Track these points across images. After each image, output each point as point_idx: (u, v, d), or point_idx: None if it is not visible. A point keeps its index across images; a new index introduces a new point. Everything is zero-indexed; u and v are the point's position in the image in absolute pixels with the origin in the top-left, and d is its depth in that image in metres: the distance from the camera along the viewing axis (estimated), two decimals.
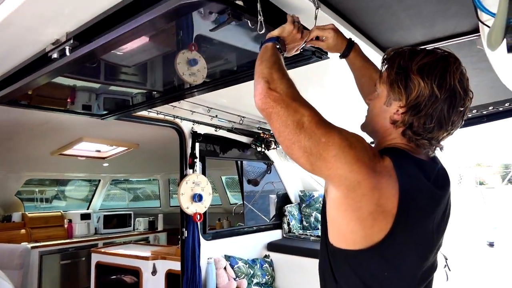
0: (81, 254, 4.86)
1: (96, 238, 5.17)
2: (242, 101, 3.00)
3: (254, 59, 1.89)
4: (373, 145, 1.07)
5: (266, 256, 3.93)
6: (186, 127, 3.25)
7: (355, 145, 0.87)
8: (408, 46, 1.05)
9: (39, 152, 4.36)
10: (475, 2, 0.81)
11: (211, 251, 3.41)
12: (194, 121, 3.20)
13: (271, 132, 3.67)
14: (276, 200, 4.47)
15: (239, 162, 4.25)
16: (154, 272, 3.56)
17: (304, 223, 4.35)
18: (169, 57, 2.02)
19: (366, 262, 0.91)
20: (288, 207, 4.33)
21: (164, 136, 3.70)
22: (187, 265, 3.09)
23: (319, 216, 4.31)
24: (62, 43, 1.44)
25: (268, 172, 4.40)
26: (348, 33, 1.65)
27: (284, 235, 4.24)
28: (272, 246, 3.99)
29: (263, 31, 1.15)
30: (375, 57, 1.96)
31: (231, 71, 2.18)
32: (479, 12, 0.85)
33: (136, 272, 3.67)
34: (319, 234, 3.74)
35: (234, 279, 3.47)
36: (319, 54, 1.45)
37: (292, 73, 1.06)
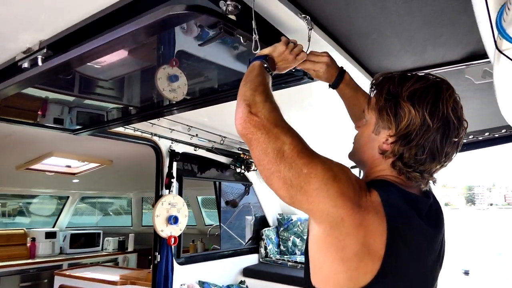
0: (43, 276, 4.55)
1: (61, 258, 4.87)
2: (224, 121, 2.92)
3: (237, 78, 1.87)
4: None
5: (241, 282, 3.78)
6: (164, 145, 3.12)
7: (339, 177, 0.80)
8: (398, 72, 0.99)
9: (2, 166, 4.09)
10: (500, 30, 0.76)
11: (185, 277, 3.24)
12: (172, 140, 3.08)
13: None
14: (253, 222, 4.35)
15: (217, 182, 4.12)
16: None
17: (282, 247, 4.23)
18: (148, 72, 1.96)
19: None
20: (265, 231, 4.22)
21: (139, 153, 3.56)
22: None
23: (297, 240, 4.21)
24: (34, 52, 1.33)
25: (247, 194, 4.29)
26: (339, 57, 1.62)
27: (260, 259, 4.11)
28: (248, 272, 3.84)
29: (258, 51, 1.08)
30: (365, 82, 1.93)
31: (212, 90, 2.12)
32: (498, 40, 0.80)
33: None
34: (297, 259, 3.64)
35: None
36: (311, 75, 1.38)
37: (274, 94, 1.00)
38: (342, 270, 0.80)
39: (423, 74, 0.96)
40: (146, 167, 3.58)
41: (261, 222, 4.39)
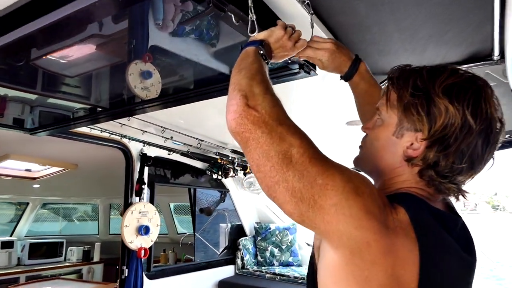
0: None
1: (18, 270, 4.48)
2: (202, 123, 2.71)
3: (216, 75, 1.71)
4: None
5: None
6: (135, 148, 2.87)
7: (362, 189, 0.64)
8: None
9: None
10: None
11: None
12: (144, 142, 2.83)
13: (230, 158, 3.39)
14: (228, 231, 4.14)
15: (192, 189, 3.89)
16: None
17: (259, 258, 4.04)
18: (118, 68, 1.81)
19: None
20: (242, 240, 4.01)
21: (107, 157, 3.28)
22: None
23: (275, 250, 4.03)
24: None
25: (222, 201, 4.08)
26: None
27: (237, 271, 3.90)
28: (224, 285, 3.62)
29: (255, 33, 0.90)
30: None
31: (189, 88, 1.94)
32: None
33: None
34: (275, 271, 3.43)
35: None
36: (307, 69, 1.21)
37: None
38: None
39: (453, 67, 0.79)
40: (114, 172, 3.32)
41: (238, 231, 4.18)
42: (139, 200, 2.84)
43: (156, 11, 1.48)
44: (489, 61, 1.56)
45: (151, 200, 3.01)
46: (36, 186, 4.77)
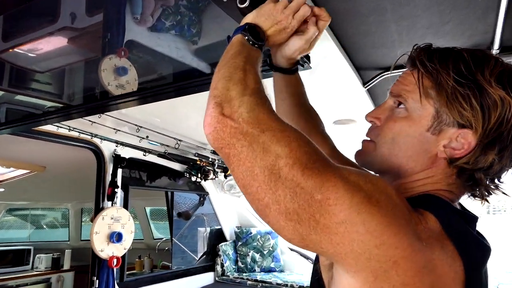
0: None
1: None
2: (180, 122, 2.55)
3: (196, 70, 1.60)
4: None
5: None
6: (107, 149, 2.67)
7: (376, 197, 0.51)
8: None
9: None
10: None
11: None
12: (118, 142, 2.64)
13: (210, 159, 3.23)
14: (207, 235, 3.97)
15: (169, 192, 3.70)
16: None
17: (240, 264, 3.88)
18: (90, 64, 1.72)
19: None
20: (222, 246, 3.85)
21: (78, 158, 3.08)
22: None
23: (256, 256, 3.88)
24: None
25: (201, 205, 3.91)
26: (326, 42, 1.36)
27: (216, 278, 3.73)
28: None
29: (246, 4, 0.75)
30: (348, 77, 1.69)
31: (168, 83, 1.81)
32: None
33: None
34: (257, 277, 3.28)
35: None
36: (301, 61, 1.08)
37: None
38: None
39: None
40: (86, 174, 3.11)
41: (217, 236, 4.01)
42: (112, 205, 2.64)
43: (134, 4, 1.41)
44: None
45: (125, 205, 2.82)
46: (0, 190, 4.47)
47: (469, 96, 0.59)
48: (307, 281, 3.30)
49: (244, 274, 3.76)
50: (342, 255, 0.51)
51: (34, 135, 2.26)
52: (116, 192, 2.66)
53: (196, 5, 1.41)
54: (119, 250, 2.60)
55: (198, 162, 3.17)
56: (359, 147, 0.76)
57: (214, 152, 3.23)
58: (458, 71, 0.61)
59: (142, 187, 3.14)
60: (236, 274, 3.76)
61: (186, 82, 1.62)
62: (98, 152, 2.64)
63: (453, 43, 1.45)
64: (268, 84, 0.78)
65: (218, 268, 3.76)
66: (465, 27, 1.34)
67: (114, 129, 2.48)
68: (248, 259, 3.89)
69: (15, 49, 1.67)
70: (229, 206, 4.04)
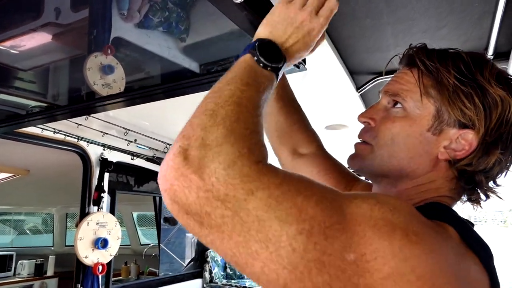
0: None
1: None
2: (169, 125, 2.51)
3: (187, 71, 1.57)
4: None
5: None
6: (94, 152, 2.61)
7: (411, 229, 0.44)
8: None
9: None
10: None
11: None
12: (105, 146, 2.58)
13: None
14: (196, 242, 3.91)
15: (157, 197, 3.64)
16: None
17: (228, 270, 3.84)
18: (75, 61, 1.63)
19: None
20: (211, 252, 3.79)
21: (63, 162, 3.00)
22: None
23: None
24: None
25: None
26: (322, 46, 1.33)
27: (204, 285, 3.68)
28: None
29: None
30: (342, 81, 1.67)
31: (157, 84, 1.77)
32: None
33: None
34: (245, 284, 3.24)
35: None
36: (297, 62, 1.05)
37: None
38: None
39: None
40: (71, 178, 3.03)
41: None
42: (98, 210, 2.57)
43: (121, 0, 1.34)
44: None
45: (112, 210, 2.75)
46: None
47: (471, 94, 0.58)
48: None
49: (232, 280, 3.71)
50: None
51: (17, 137, 2.19)
52: (103, 197, 2.59)
53: (184, 1, 1.37)
54: (104, 256, 2.53)
55: None
56: (352, 152, 0.71)
57: None
58: (458, 70, 0.59)
59: (130, 191, 3.08)
60: (224, 281, 3.71)
61: (175, 83, 1.58)
62: (84, 156, 2.57)
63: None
64: None
65: (207, 274, 3.71)
66: (460, 32, 1.33)
67: (101, 132, 2.42)
68: None
69: None
70: None
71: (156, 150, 2.82)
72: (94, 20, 1.39)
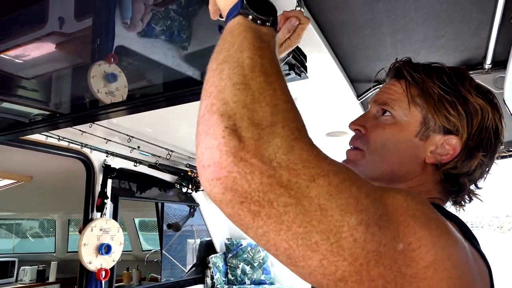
0: None
1: None
2: (171, 132, 2.53)
3: (189, 79, 1.59)
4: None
5: None
6: (97, 159, 2.63)
7: (439, 219, 0.46)
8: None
9: None
10: None
11: None
12: (108, 152, 2.60)
13: None
14: (197, 247, 3.91)
15: (159, 204, 3.65)
16: None
17: (230, 276, 3.83)
18: (79, 70, 1.66)
19: None
20: (212, 258, 3.79)
21: (66, 168, 3.02)
22: None
23: (246, 268, 3.83)
24: None
25: (191, 216, 3.86)
26: (323, 54, 1.36)
27: None
28: None
29: None
30: (343, 90, 1.69)
31: (159, 93, 1.80)
32: None
33: None
34: None
35: None
36: (298, 70, 1.08)
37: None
38: None
39: None
40: (74, 184, 3.04)
41: (207, 247, 3.96)
42: (101, 216, 2.58)
43: (124, 9, 1.37)
44: (479, 70, 1.51)
45: (114, 216, 2.76)
46: None
47: (455, 103, 0.63)
48: None
49: (234, 286, 3.71)
50: None
51: (22, 144, 2.21)
52: (106, 203, 2.60)
53: (186, 10, 1.40)
54: (107, 262, 2.54)
55: (189, 173, 3.13)
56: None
57: None
58: (442, 81, 0.65)
59: (132, 198, 3.09)
60: (226, 287, 3.71)
61: (177, 91, 1.61)
62: (87, 162, 2.59)
63: (447, 57, 1.47)
64: None
65: (208, 280, 3.70)
66: (458, 41, 1.36)
67: (105, 139, 2.44)
68: (238, 271, 3.83)
69: (1, 55, 1.63)
70: (219, 217, 4.00)
71: (159, 156, 2.84)
72: (97, 29, 1.41)
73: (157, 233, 4.40)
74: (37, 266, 4.91)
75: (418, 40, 1.35)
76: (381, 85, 0.74)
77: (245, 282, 3.78)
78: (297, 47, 1.02)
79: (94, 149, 2.53)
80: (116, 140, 2.51)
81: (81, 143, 2.41)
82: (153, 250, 4.87)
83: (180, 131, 2.47)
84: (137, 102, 1.73)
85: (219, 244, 3.99)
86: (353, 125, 0.73)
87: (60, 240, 5.61)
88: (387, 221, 0.41)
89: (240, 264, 3.86)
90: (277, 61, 0.46)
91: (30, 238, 6.12)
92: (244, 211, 0.38)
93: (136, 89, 1.75)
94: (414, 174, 0.67)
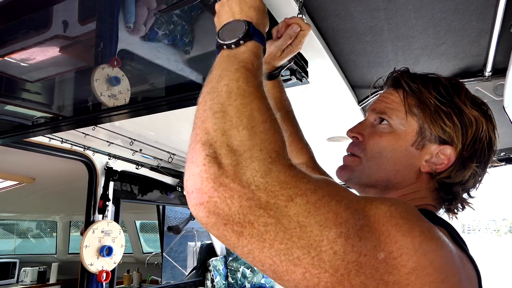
0: None
1: None
2: (174, 135, 2.54)
3: (191, 83, 1.61)
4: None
5: None
6: (100, 161, 2.64)
7: (424, 225, 0.48)
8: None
9: None
10: None
11: None
12: (110, 155, 2.61)
13: None
14: (197, 250, 3.92)
15: (161, 206, 3.65)
16: None
17: (230, 279, 3.83)
18: (83, 73, 1.68)
19: None
20: (213, 261, 3.79)
21: (68, 170, 3.04)
22: None
23: (247, 271, 3.83)
24: None
25: (192, 219, 3.87)
26: (324, 60, 1.38)
27: None
28: None
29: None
30: (345, 95, 1.70)
31: (161, 96, 1.81)
32: None
33: None
34: None
35: None
36: (299, 75, 1.09)
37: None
38: None
39: None
40: (76, 187, 3.08)
41: (208, 250, 3.96)
42: (103, 218, 2.59)
43: (127, 13, 1.38)
44: (479, 77, 1.52)
45: (116, 218, 2.77)
46: None
47: (450, 114, 0.65)
48: None
49: None
50: None
51: (25, 146, 2.22)
52: (107, 205, 2.62)
53: (189, 14, 1.41)
54: (109, 264, 2.55)
55: None
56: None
57: None
58: (438, 92, 0.66)
59: (134, 200, 3.10)
60: None
61: (180, 95, 1.62)
62: (90, 165, 2.60)
63: (447, 64, 1.48)
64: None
65: (208, 283, 3.71)
66: (458, 49, 1.37)
67: (108, 141, 2.46)
68: (239, 275, 3.84)
69: (5, 58, 1.65)
70: None
71: (161, 159, 2.85)
72: (101, 32, 1.43)
73: (157, 235, 4.41)
74: (38, 267, 4.91)
75: (418, 47, 1.37)
76: (382, 91, 0.76)
77: (245, 286, 3.78)
78: (299, 53, 1.04)
79: (97, 152, 2.55)
80: (118, 143, 2.52)
81: (84, 145, 2.42)
82: (153, 253, 4.87)
83: (182, 134, 2.49)
84: (140, 106, 1.75)
85: (219, 247, 4.00)
86: (351, 132, 0.76)
87: (61, 241, 5.62)
88: (368, 231, 0.43)
89: (240, 267, 3.86)
90: (254, 77, 0.49)
91: (31, 239, 6.13)
92: (228, 231, 0.40)
93: (138, 92, 1.77)
94: (409, 182, 0.68)
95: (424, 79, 0.70)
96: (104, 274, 2.51)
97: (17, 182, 3.91)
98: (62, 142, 2.25)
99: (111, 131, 2.35)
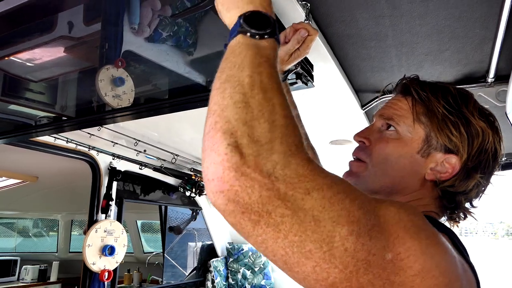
0: None
1: None
2: (177, 137, 2.55)
3: (194, 86, 1.62)
4: None
5: None
6: (103, 161, 2.65)
7: (430, 229, 0.49)
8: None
9: None
10: None
11: None
12: (114, 155, 2.63)
13: None
14: (198, 250, 3.93)
15: (163, 207, 3.67)
16: None
17: (230, 280, 3.84)
18: (87, 74, 1.69)
19: None
20: (214, 262, 3.80)
21: (71, 170, 3.05)
22: None
23: (247, 273, 3.84)
24: None
25: (193, 220, 3.88)
26: (329, 64, 1.40)
27: None
28: None
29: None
30: (348, 100, 1.72)
31: (164, 98, 1.82)
32: None
33: None
34: None
35: None
36: (305, 79, 1.11)
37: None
38: None
39: None
40: (78, 186, 3.11)
41: (209, 251, 3.97)
42: (106, 218, 2.61)
43: (132, 14, 1.40)
44: (482, 83, 1.53)
45: (119, 218, 2.79)
46: None
47: (458, 124, 0.66)
48: None
49: None
50: None
51: (30, 145, 2.24)
52: (111, 205, 2.63)
53: (192, 16, 1.43)
54: (111, 263, 2.56)
55: (193, 177, 3.15)
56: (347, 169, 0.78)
57: None
58: (447, 101, 0.67)
59: (136, 200, 3.11)
60: None
61: (183, 98, 1.64)
62: (94, 165, 2.62)
63: (450, 70, 1.50)
64: None
65: (209, 284, 3.71)
66: (462, 55, 1.38)
67: (112, 142, 2.48)
68: (239, 276, 3.84)
69: (11, 57, 1.66)
70: (221, 222, 4.02)
71: (164, 160, 2.87)
72: (106, 33, 1.44)
73: (157, 235, 4.42)
74: (39, 266, 4.92)
75: (422, 53, 1.38)
76: (385, 96, 0.77)
77: (245, 287, 3.79)
78: (305, 57, 1.05)
79: (101, 152, 2.57)
80: (122, 143, 2.54)
81: (89, 145, 2.44)
82: (154, 253, 4.88)
83: (185, 135, 2.51)
84: (143, 108, 1.76)
85: (220, 248, 4.01)
86: (358, 137, 0.77)
87: (62, 240, 5.63)
88: (379, 231, 0.44)
89: (241, 268, 3.87)
90: (276, 74, 0.48)
91: (32, 237, 6.15)
92: (245, 220, 0.41)
93: (142, 92, 1.78)
94: (413, 189, 0.69)
95: (434, 87, 0.71)
96: (106, 273, 2.52)
97: (20, 181, 3.93)
98: (67, 142, 2.27)
99: (116, 132, 2.37)
